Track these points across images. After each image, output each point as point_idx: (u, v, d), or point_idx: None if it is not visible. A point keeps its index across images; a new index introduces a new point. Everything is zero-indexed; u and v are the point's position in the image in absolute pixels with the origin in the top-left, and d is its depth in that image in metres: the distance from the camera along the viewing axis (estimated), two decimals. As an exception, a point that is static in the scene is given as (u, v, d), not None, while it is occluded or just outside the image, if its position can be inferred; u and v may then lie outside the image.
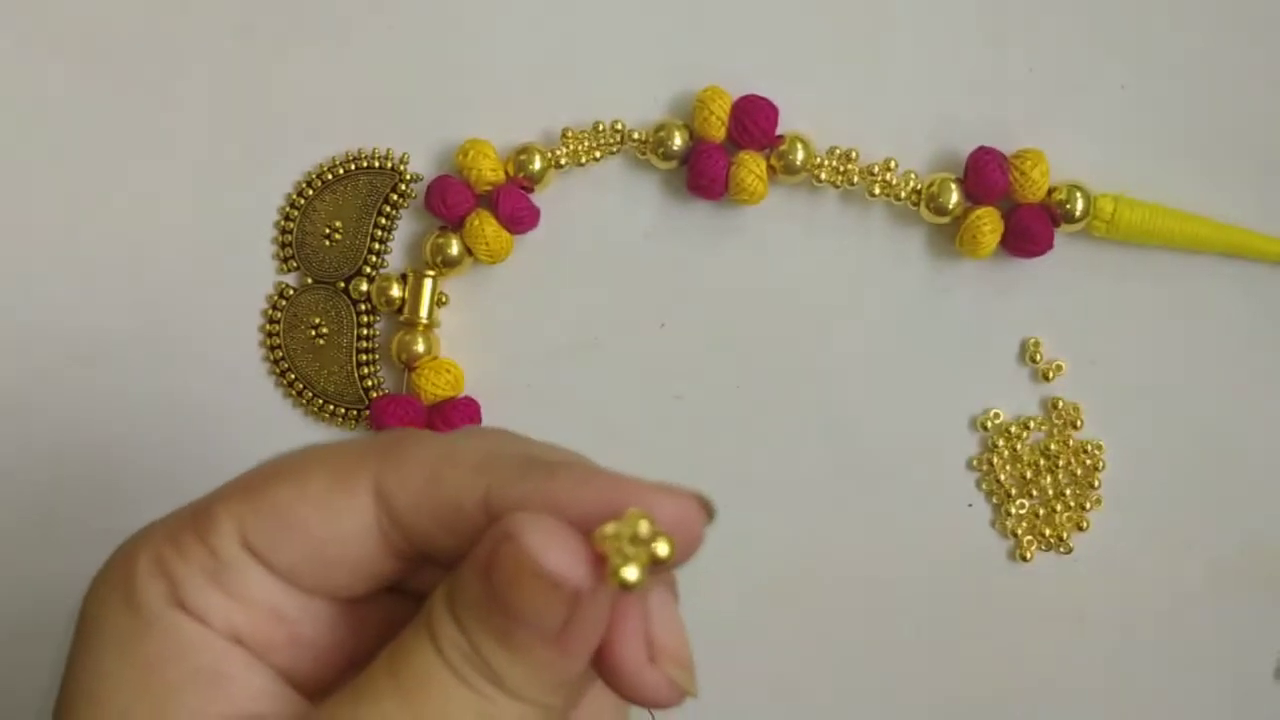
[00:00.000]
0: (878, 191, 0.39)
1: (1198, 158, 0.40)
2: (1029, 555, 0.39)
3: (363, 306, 0.41)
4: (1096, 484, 0.39)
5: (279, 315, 0.41)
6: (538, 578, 0.20)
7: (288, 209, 0.41)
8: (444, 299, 0.40)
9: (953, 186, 0.39)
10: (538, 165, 0.39)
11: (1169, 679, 0.39)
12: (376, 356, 0.41)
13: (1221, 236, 0.39)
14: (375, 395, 0.41)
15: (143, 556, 0.22)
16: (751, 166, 0.39)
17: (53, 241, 0.41)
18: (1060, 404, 0.39)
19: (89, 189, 0.41)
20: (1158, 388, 0.40)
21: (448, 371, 0.40)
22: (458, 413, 0.40)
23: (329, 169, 0.41)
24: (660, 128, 0.39)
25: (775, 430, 0.40)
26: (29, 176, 0.41)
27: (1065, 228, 0.39)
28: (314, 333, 0.41)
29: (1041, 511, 0.39)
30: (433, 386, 0.40)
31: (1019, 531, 0.39)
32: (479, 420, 0.40)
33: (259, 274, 0.41)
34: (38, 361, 0.41)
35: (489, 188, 0.40)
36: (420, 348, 0.40)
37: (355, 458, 0.22)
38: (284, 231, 0.41)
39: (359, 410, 0.41)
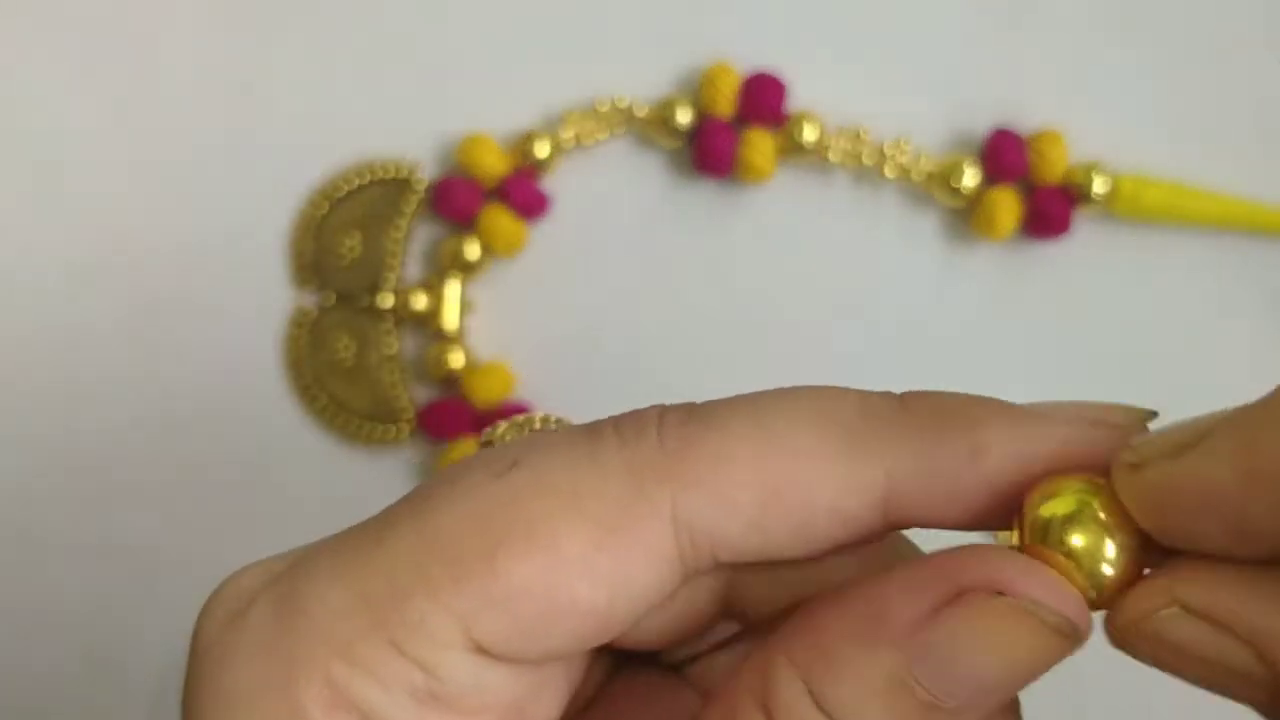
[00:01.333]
0: (889, 173, 0.38)
1: (1217, 137, 0.38)
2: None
3: (388, 321, 0.39)
4: None
5: (301, 338, 0.39)
6: (1044, 640, 0.16)
7: (299, 230, 0.39)
8: (470, 305, 0.39)
9: (967, 168, 0.38)
10: (542, 152, 0.38)
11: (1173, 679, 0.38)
12: (407, 370, 0.39)
13: (1245, 213, 0.38)
14: (413, 409, 0.39)
15: (307, 681, 0.15)
16: (759, 145, 0.38)
17: (55, 294, 0.40)
18: None
19: (88, 225, 0.39)
20: (1178, 373, 0.39)
21: (498, 373, 0.39)
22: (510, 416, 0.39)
23: (337, 184, 0.39)
24: (665, 105, 0.38)
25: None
26: (21, 204, 0.40)
27: (1084, 208, 0.38)
28: (343, 353, 0.39)
29: None
30: (487, 391, 0.38)
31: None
32: None
33: (277, 298, 0.39)
34: (46, 412, 0.40)
35: (496, 181, 0.38)
36: (455, 357, 0.38)
37: (630, 490, 0.16)
38: (299, 253, 0.39)
39: (396, 426, 0.39)
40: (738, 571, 0.18)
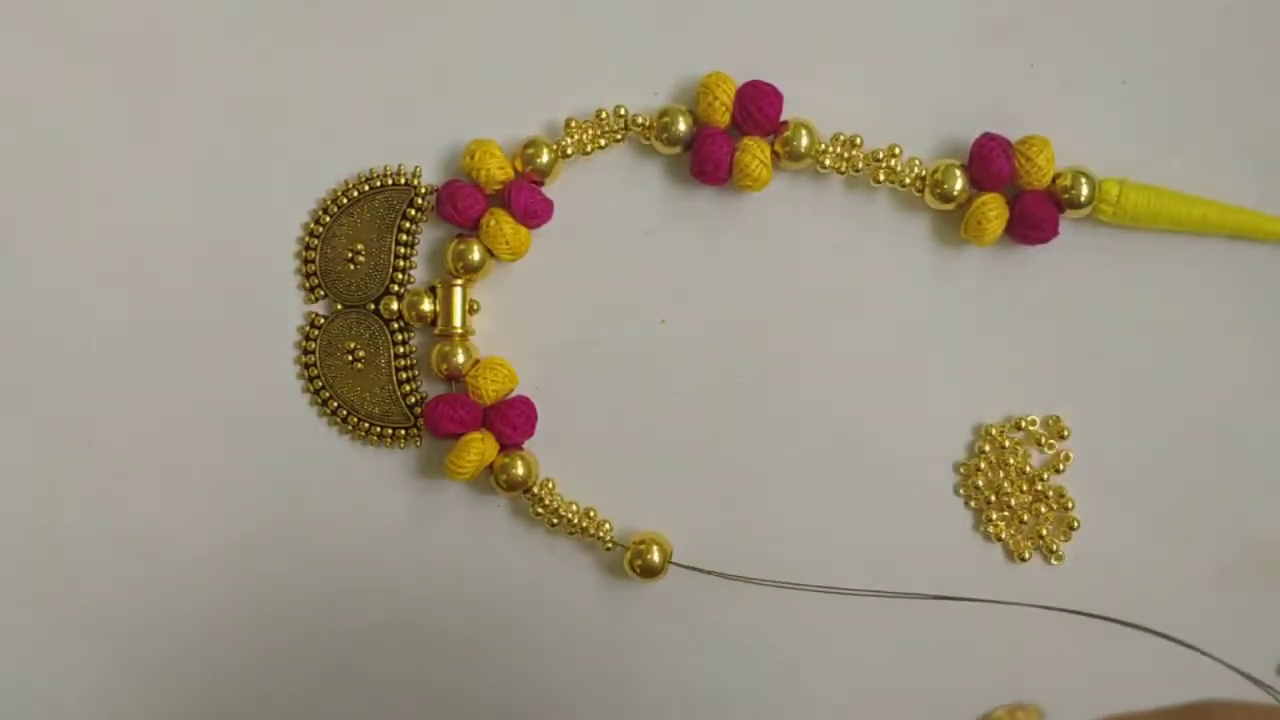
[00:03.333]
0: (882, 178, 0.39)
1: (1199, 144, 0.39)
2: (1026, 555, 0.40)
3: (395, 325, 0.40)
4: (1071, 506, 0.40)
5: (313, 345, 0.40)
6: None
7: (307, 238, 0.40)
8: (475, 306, 0.40)
9: (957, 173, 0.39)
10: (545, 158, 0.39)
11: (1170, 678, 0.39)
12: (417, 373, 0.40)
13: (1228, 218, 0.39)
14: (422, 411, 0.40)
15: None
16: (755, 152, 0.39)
17: (69, 302, 0.41)
18: (1041, 421, 0.40)
19: (97, 238, 0.41)
20: (1161, 378, 0.40)
21: (500, 368, 0.40)
22: (515, 411, 0.39)
23: (343, 193, 0.40)
24: (664, 113, 0.39)
25: (775, 420, 0.40)
26: (38, 217, 0.41)
27: (1070, 213, 0.39)
28: (351, 358, 0.40)
29: (1026, 516, 0.39)
30: (492, 383, 0.39)
31: (1003, 536, 0.40)
32: (534, 420, 0.40)
33: (287, 306, 0.41)
34: (73, 421, 0.41)
35: (499, 186, 0.39)
36: (460, 358, 0.40)
37: None
38: (306, 261, 0.40)
39: (406, 429, 0.40)
40: None
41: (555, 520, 0.40)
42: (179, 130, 0.41)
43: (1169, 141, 0.39)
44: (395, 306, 0.40)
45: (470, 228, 0.40)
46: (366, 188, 0.40)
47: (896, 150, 0.39)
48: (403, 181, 0.40)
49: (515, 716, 0.40)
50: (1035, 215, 0.39)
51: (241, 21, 0.41)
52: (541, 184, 0.40)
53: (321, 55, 0.41)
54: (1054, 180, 0.39)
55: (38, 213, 0.41)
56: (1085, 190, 0.38)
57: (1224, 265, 0.39)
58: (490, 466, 0.40)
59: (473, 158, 0.39)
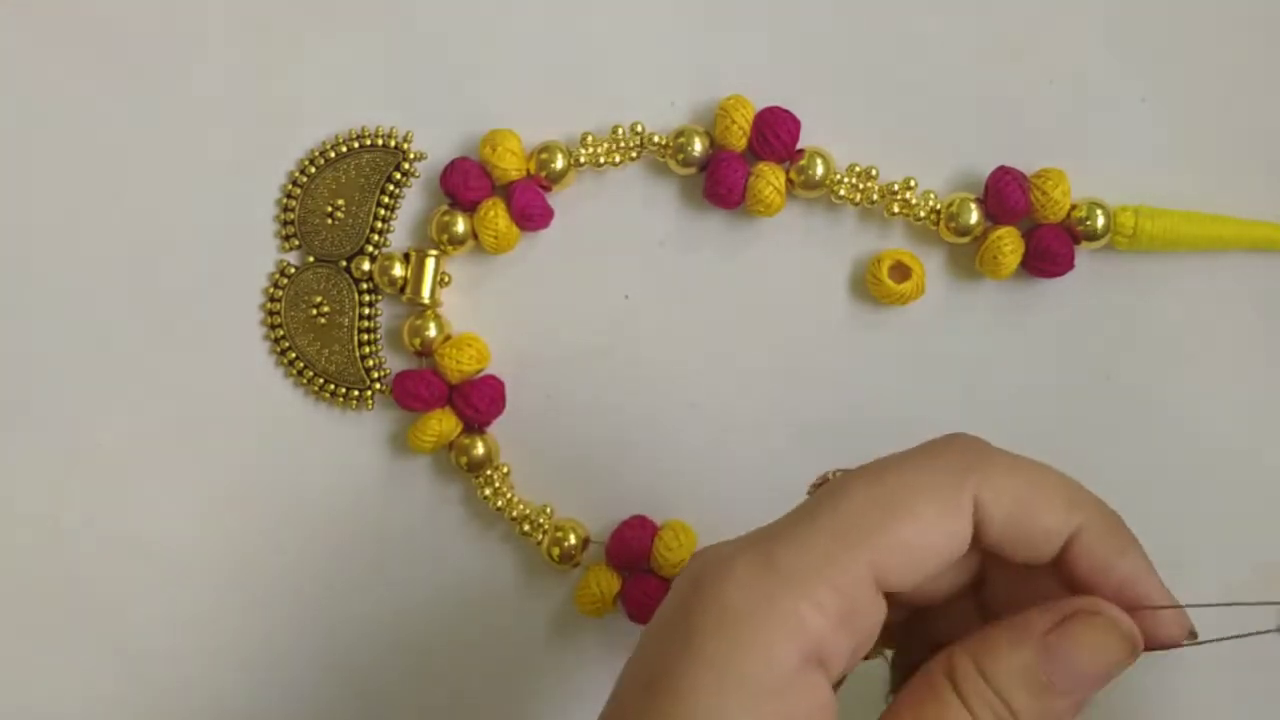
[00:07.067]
0: (896, 210, 0.39)
1: (1219, 167, 0.39)
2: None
3: (364, 286, 0.40)
4: None
5: (280, 294, 0.40)
6: (1121, 648, 0.26)
7: (290, 186, 0.40)
8: (446, 279, 0.40)
9: (972, 206, 0.38)
10: (560, 164, 0.39)
11: (1174, 699, 0.38)
12: (379, 337, 0.40)
13: (1246, 233, 0.38)
14: (378, 375, 0.40)
15: (781, 614, 0.24)
16: (770, 178, 0.39)
17: (53, 222, 0.41)
18: None
19: (91, 169, 0.41)
20: (1175, 401, 0.39)
21: (470, 346, 0.40)
22: (479, 392, 0.39)
23: (331, 147, 0.40)
24: (680, 133, 0.39)
25: (782, 447, 0.39)
26: (31, 156, 0.41)
27: (1086, 245, 0.38)
28: (315, 312, 0.40)
29: None
30: (456, 364, 0.39)
31: None
32: (503, 400, 0.39)
33: (261, 252, 0.41)
34: (38, 343, 0.41)
35: (509, 180, 0.39)
36: (433, 332, 0.39)
37: (955, 481, 0.25)
38: (285, 209, 0.40)
39: (360, 391, 0.40)
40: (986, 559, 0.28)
41: (499, 506, 0.39)
42: (189, 96, 0.41)
43: (1187, 164, 0.39)
44: (367, 267, 0.40)
45: (467, 207, 0.40)
46: (356, 145, 0.40)
47: (911, 183, 0.39)
48: (393, 144, 0.40)
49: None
50: (1052, 250, 0.38)
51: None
52: (549, 189, 0.40)
53: (349, 28, 0.41)
54: (1069, 213, 0.38)
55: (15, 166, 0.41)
56: (1101, 222, 0.38)
57: (1243, 279, 0.39)
58: (451, 445, 0.40)
59: (492, 149, 0.39)
